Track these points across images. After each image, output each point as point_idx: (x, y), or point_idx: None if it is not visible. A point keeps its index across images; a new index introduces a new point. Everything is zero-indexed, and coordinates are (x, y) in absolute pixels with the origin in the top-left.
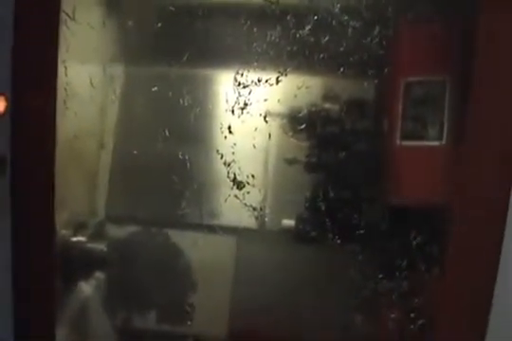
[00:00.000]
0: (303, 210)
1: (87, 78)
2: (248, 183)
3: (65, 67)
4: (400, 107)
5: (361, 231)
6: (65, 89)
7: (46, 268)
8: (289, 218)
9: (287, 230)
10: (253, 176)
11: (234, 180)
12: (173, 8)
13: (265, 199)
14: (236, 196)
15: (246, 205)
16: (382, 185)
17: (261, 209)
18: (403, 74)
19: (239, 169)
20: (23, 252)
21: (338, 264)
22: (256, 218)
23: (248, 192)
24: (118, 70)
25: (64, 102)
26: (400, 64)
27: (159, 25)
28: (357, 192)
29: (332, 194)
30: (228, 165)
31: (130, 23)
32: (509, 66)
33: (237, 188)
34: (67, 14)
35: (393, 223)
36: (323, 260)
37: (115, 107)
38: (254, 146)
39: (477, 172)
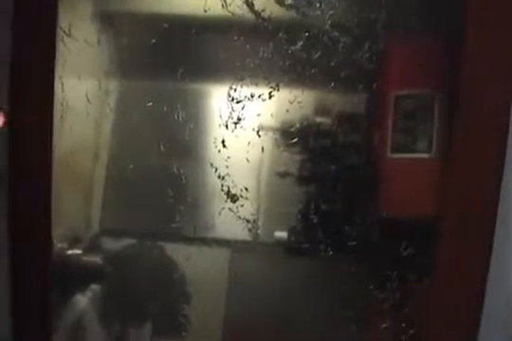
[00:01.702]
0: (296, 222)
1: (83, 93)
2: (242, 196)
3: (62, 83)
4: (390, 120)
5: (353, 243)
6: (62, 104)
7: (43, 281)
8: (282, 230)
9: (280, 242)
10: (247, 189)
11: (228, 193)
12: (166, 25)
13: (258, 211)
14: (230, 209)
15: (239, 217)
16: (373, 197)
17: (254, 222)
18: (393, 88)
19: (233, 182)
20: (20, 266)
21: (331, 275)
22: (249, 230)
23: (242, 205)
24: (114, 85)
25: (61, 117)
26: (390, 78)
27: (153, 41)
28: (349, 204)
29: (324, 206)
30: (222, 178)
31: (125, 39)
32: (494, 79)
33: (231, 200)
34: (64, 31)
35: (383, 234)
36: (316, 272)
37: (110, 122)
38: (247, 159)
39: (465, 184)
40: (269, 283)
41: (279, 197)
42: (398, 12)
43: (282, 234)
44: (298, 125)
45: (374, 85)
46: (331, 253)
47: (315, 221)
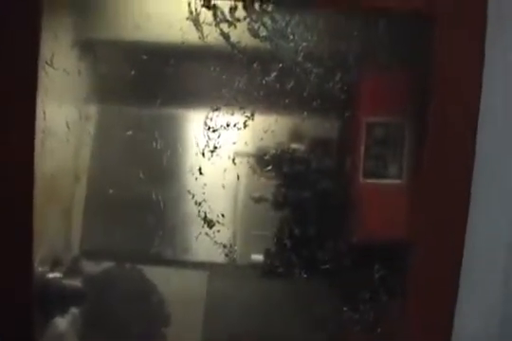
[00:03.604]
0: (271, 246)
1: (64, 120)
2: (218, 221)
3: (44, 111)
4: (362, 147)
5: (327, 266)
6: (44, 132)
7: (24, 306)
8: (258, 253)
9: (256, 265)
10: (223, 215)
11: (205, 219)
12: (145, 55)
13: (234, 236)
14: (207, 234)
15: (216, 242)
16: (346, 221)
17: (231, 246)
18: (365, 115)
19: (209, 208)
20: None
21: (306, 298)
22: (226, 255)
23: (219, 231)
24: (93, 113)
25: (42, 144)
26: (362, 107)
27: (132, 70)
28: (323, 229)
29: (298, 230)
30: (199, 204)
31: (104, 67)
32: (460, 108)
33: (207, 226)
34: (46, 61)
35: (356, 257)
36: (292, 294)
37: (90, 148)
38: (223, 186)
39: (433, 208)
40: (247, 305)
41: (255, 222)
42: (370, 44)
43: (258, 257)
44: (272, 153)
45: (347, 114)
46: (306, 276)
47: (290, 244)
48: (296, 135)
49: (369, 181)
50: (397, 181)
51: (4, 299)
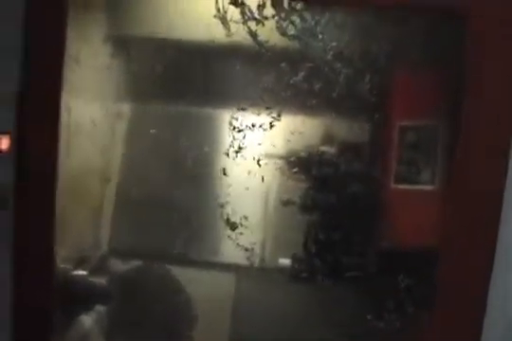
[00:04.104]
0: (299, 250)
1: (90, 118)
2: (242, 224)
3: (69, 109)
4: (394, 151)
5: (356, 271)
6: (69, 129)
7: (46, 302)
8: (286, 257)
9: (284, 269)
10: (246, 218)
11: (227, 221)
12: (171, 54)
13: (258, 239)
14: (229, 237)
15: (238, 245)
16: (375, 227)
17: (253, 250)
18: (397, 118)
19: (232, 210)
20: (22, 286)
21: (331, 304)
22: (248, 258)
23: (241, 233)
24: (121, 111)
25: (67, 141)
26: (394, 109)
27: (158, 68)
28: (352, 233)
29: (326, 235)
30: (222, 206)
31: (133, 66)
32: (496, 113)
33: (230, 228)
34: (72, 58)
35: (386, 264)
36: (318, 300)
37: (117, 147)
38: (248, 188)
39: (465, 215)
40: (273, 308)
41: (282, 225)
42: (401, 43)
43: (285, 261)
44: (299, 155)
45: (378, 116)
46: (334, 280)
47: (317, 249)
48: (325, 138)
49: (400, 186)
50: (429, 187)
51: (26, 298)
